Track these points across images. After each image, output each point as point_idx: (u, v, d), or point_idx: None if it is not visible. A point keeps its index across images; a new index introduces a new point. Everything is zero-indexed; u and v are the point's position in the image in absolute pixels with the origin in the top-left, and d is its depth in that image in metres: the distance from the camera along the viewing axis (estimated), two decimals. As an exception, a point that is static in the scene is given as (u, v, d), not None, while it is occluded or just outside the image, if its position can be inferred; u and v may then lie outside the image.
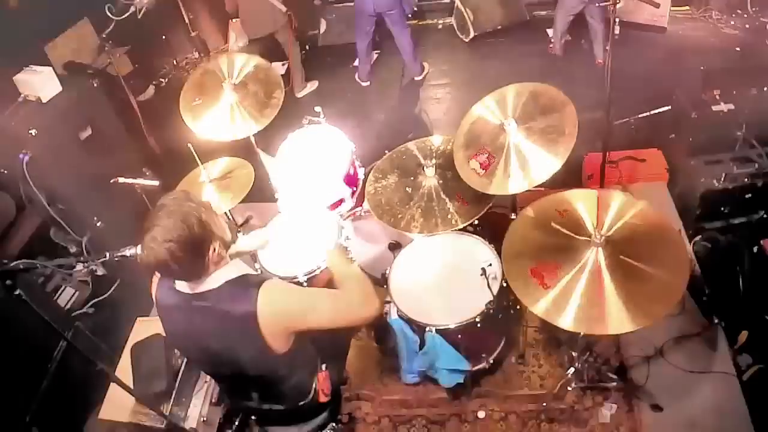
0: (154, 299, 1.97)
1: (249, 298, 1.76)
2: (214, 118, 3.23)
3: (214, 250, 1.76)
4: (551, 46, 5.24)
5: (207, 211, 1.77)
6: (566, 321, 2.01)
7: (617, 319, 1.96)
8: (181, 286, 1.84)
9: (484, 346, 2.81)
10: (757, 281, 2.96)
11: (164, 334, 1.99)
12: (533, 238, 2.27)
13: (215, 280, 1.80)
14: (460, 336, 2.60)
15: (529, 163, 2.51)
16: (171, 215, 1.69)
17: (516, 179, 2.51)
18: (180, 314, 1.87)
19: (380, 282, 2.84)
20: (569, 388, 2.80)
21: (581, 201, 2.30)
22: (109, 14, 4.23)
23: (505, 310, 2.86)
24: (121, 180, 3.05)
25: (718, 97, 3.55)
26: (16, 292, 1.95)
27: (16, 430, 2.98)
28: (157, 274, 1.93)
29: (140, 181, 3.07)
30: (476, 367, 2.80)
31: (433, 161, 2.88)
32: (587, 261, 2.11)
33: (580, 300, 2.03)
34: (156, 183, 3.11)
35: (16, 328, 2.80)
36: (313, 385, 2.13)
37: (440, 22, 6.08)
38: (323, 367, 2.16)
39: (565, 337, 2.91)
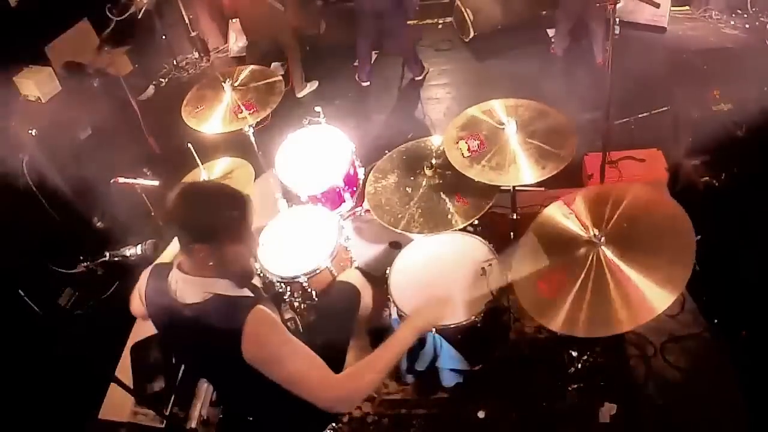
0: (142, 295, 1.91)
1: (237, 316, 1.70)
2: (219, 116, 3.22)
3: (241, 237, 1.75)
4: (553, 47, 5.24)
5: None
6: (580, 329, 1.98)
7: (626, 317, 1.92)
8: (174, 286, 1.79)
9: (484, 346, 2.81)
10: (757, 281, 2.96)
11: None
12: (540, 252, 2.24)
13: (207, 288, 1.75)
14: (460, 336, 2.60)
15: (514, 166, 2.57)
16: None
17: (496, 173, 2.58)
18: (167, 318, 1.83)
19: (380, 282, 2.84)
20: (569, 389, 2.80)
21: (577, 203, 2.27)
22: (109, 14, 4.24)
23: (506, 310, 2.86)
24: (121, 180, 3.05)
25: (718, 97, 3.55)
26: (17, 292, 1.96)
27: (16, 428, 2.99)
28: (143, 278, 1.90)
29: (140, 181, 3.07)
30: (476, 367, 2.80)
31: (433, 161, 2.88)
32: (591, 264, 2.08)
33: (590, 305, 1.99)
34: (156, 183, 3.11)
35: (16, 328, 2.80)
36: None
37: (440, 22, 6.08)
38: None
39: (566, 336, 2.91)
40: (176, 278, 1.80)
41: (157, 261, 2.11)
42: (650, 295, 1.91)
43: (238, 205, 1.74)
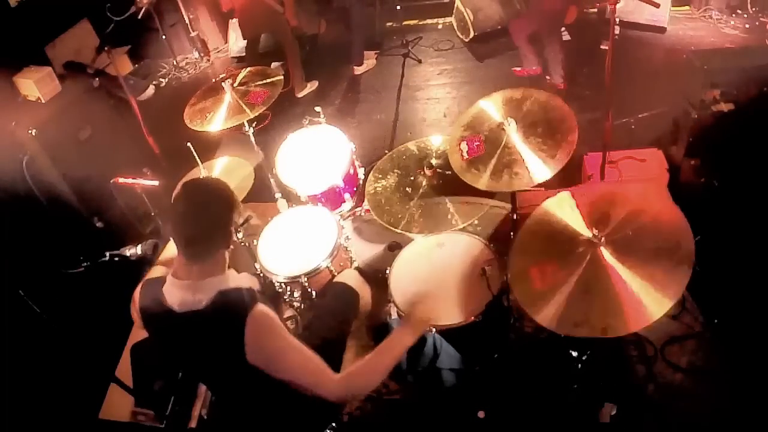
0: (137, 309, 1.88)
1: (240, 315, 1.70)
2: (222, 113, 3.23)
3: (233, 236, 1.79)
4: (548, 78, 4.70)
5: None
6: (570, 328, 1.98)
7: (623, 320, 1.92)
8: (171, 297, 1.77)
9: (484, 346, 2.81)
10: (757, 281, 2.96)
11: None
12: (538, 243, 2.25)
13: (208, 289, 1.74)
14: (460, 336, 2.60)
15: (511, 169, 2.51)
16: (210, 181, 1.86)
17: (487, 178, 2.51)
18: (167, 327, 1.82)
19: (380, 282, 2.84)
20: (569, 389, 2.80)
21: (579, 200, 2.28)
22: (109, 14, 4.23)
23: (506, 310, 2.86)
24: (121, 180, 3.05)
25: (718, 97, 3.54)
26: (17, 292, 1.96)
27: (16, 428, 2.99)
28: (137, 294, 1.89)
29: (140, 181, 3.07)
30: (476, 367, 2.80)
31: (433, 161, 2.88)
32: (588, 262, 2.08)
33: (584, 303, 2.00)
34: (156, 183, 3.11)
35: (16, 328, 2.80)
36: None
37: (440, 22, 6.08)
38: None
39: (566, 336, 2.91)
40: (174, 288, 1.77)
41: (155, 265, 2.10)
42: (635, 306, 1.91)
43: (227, 191, 1.80)
